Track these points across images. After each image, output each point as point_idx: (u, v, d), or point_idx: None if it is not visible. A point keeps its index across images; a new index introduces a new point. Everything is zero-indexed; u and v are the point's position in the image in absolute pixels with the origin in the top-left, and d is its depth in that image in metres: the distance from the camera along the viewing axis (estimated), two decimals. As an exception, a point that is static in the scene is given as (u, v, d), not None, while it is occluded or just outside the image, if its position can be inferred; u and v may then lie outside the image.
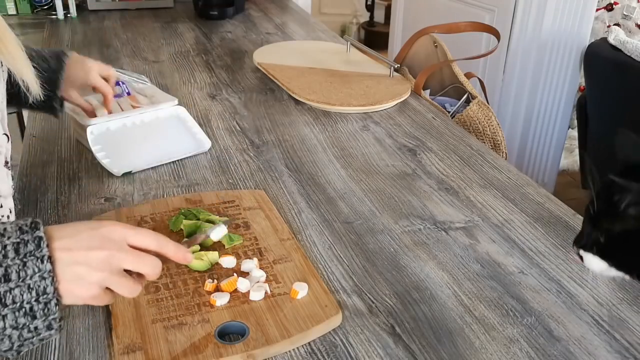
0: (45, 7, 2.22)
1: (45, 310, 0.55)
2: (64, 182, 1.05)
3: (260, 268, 0.82)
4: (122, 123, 1.17)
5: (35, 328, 0.55)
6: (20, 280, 0.54)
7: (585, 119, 2.30)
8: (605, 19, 2.68)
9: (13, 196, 0.76)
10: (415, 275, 0.84)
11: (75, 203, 0.99)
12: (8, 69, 0.73)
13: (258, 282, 0.79)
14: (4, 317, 0.53)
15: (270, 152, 1.19)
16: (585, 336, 0.74)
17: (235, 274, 0.79)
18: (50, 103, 1.03)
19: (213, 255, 0.82)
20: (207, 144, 1.18)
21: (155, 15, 2.23)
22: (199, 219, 0.89)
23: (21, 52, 0.71)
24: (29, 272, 0.54)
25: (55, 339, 0.71)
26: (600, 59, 2.09)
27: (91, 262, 0.57)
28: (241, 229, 0.91)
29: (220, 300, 0.75)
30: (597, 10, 2.46)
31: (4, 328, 0.54)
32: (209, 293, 0.76)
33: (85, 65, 1.10)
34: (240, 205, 0.97)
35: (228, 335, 0.71)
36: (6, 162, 0.73)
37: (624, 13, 2.63)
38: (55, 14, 2.14)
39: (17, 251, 0.54)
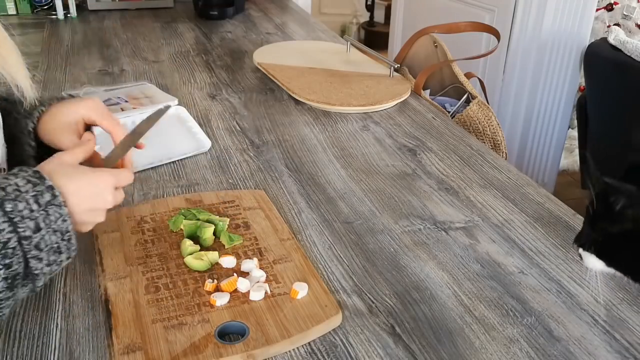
0: (45, 7, 2.22)
1: (69, 244, 0.67)
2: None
3: (260, 268, 0.82)
4: (122, 123, 1.17)
5: (61, 261, 0.67)
6: (48, 226, 0.64)
7: (585, 119, 2.30)
8: (605, 19, 2.68)
9: None
10: (415, 275, 0.84)
11: (75, 203, 0.99)
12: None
13: (258, 282, 0.79)
14: (41, 259, 0.64)
15: (270, 152, 1.19)
16: (585, 336, 0.74)
17: (235, 274, 0.79)
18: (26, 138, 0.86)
19: (213, 255, 0.82)
20: (207, 144, 1.18)
21: (155, 15, 2.24)
22: (199, 219, 0.89)
23: (16, 56, 0.72)
24: (52, 218, 0.64)
25: (56, 339, 0.71)
26: (600, 59, 2.09)
27: (95, 213, 0.71)
28: (241, 229, 0.91)
29: (220, 300, 0.75)
30: (597, 10, 2.46)
31: (42, 267, 0.64)
32: (209, 293, 0.76)
33: (75, 100, 0.87)
34: (240, 205, 0.97)
35: (228, 335, 0.71)
36: (2, 170, 0.74)
37: (624, 13, 2.63)
38: (55, 14, 2.14)
39: (38, 203, 0.63)
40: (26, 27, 2.08)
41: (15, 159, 0.83)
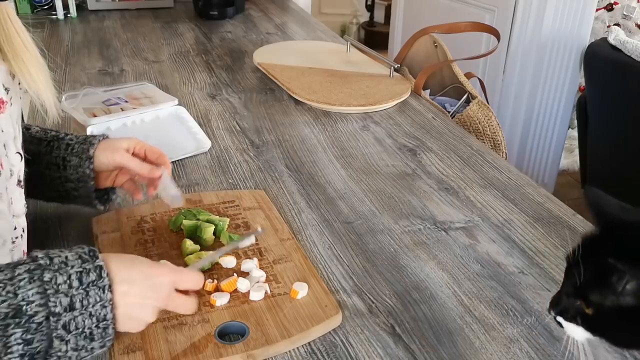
0: (45, 7, 2.22)
1: (104, 334, 0.60)
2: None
3: (260, 268, 0.82)
4: (122, 123, 1.17)
5: (92, 348, 0.60)
6: (84, 308, 0.58)
7: (585, 119, 2.30)
8: (605, 19, 2.68)
9: (25, 215, 0.75)
10: (415, 275, 0.84)
11: (75, 203, 0.99)
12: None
13: (258, 282, 0.79)
14: (67, 342, 0.57)
15: (270, 152, 1.19)
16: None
17: (235, 274, 0.79)
18: (89, 199, 0.89)
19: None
20: (207, 144, 1.18)
21: (155, 15, 2.23)
22: (198, 219, 0.89)
23: (43, 73, 0.71)
24: (91, 300, 0.59)
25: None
26: (600, 59, 2.08)
27: (144, 309, 0.63)
28: (241, 229, 0.91)
29: (220, 300, 0.75)
30: (597, 10, 2.46)
31: (66, 351, 0.58)
32: (209, 293, 0.76)
33: (112, 145, 0.90)
34: (240, 205, 0.97)
35: (228, 335, 0.71)
36: (19, 181, 0.73)
37: (624, 13, 2.63)
38: (55, 14, 2.14)
39: (80, 281, 0.58)
40: (26, 27, 2.08)
41: (64, 180, 0.86)
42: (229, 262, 0.82)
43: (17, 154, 0.72)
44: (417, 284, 0.83)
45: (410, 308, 0.78)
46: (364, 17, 4.73)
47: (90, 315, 0.58)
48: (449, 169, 1.14)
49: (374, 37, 4.46)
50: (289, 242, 0.88)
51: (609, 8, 2.67)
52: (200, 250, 0.83)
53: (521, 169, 2.41)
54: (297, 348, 0.71)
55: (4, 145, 0.69)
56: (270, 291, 0.77)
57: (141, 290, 0.63)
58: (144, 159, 0.89)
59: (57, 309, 0.56)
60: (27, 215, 0.76)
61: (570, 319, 0.62)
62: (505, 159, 1.53)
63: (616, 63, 1.99)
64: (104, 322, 0.60)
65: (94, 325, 0.59)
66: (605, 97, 2.15)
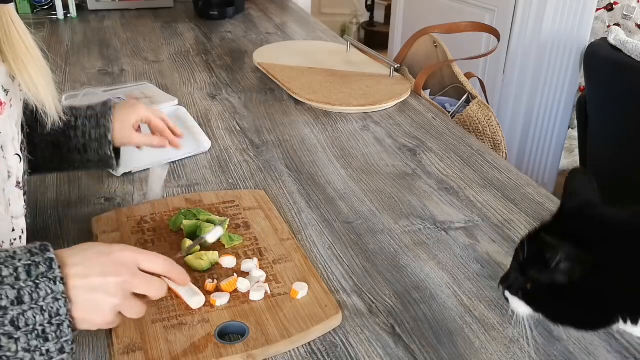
0: (45, 7, 2.22)
1: (58, 332, 0.55)
2: (64, 182, 1.05)
3: (260, 268, 0.82)
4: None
5: (48, 351, 0.55)
6: (33, 302, 0.54)
7: (585, 119, 2.30)
8: (605, 19, 2.68)
9: (25, 216, 0.75)
10: (415, 275, 0.84)
11: (75, 203, 0.99)
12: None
13: (258, 282, 0.79)
14: (17, 340, 0.53)
15: (270, 152, 1.19)
16: (585, 336, 0.74)
17: (235, 274, 0.79)
18: (104, 154, 0.92)
19: (213, 255, 0.82)
20: (207, 144, 1.18)
21: (155, 15, 2.23)
22: (198, 219, 0.89)
23: (44, 75, 0.70)
24: (42, 293, 0.54)
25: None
26: (600, 59, 2.08)
27: (106, 288, 0.58)
28: (241, 229, 0.91)
29: (220, 300, 0.75)
30: (597, 10, 2.46)
31: (17, 351, 0.53)
32: (209, 293, 0.76)
33: (130, 104, 0.98)
34: (240, 205, 0.97)
35: (228, 335, 0.71)
36: (18, 183, 0.72)
37: (624, 13, 2.63)
38: (55, 14, 2.14)
39: (29, 273, 0.54)
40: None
41: (87, 162, 0.92)
42: (229, 262, 0.82)
43: (16, 156, 0.71)
44: (417, 284, 0.83)
45: (410, 308, 0.78)
46: (364, 17, 4.73)
47: (42, 310, 0.54)
48: (449, 169, 1.14)
49: (374, 37, 4.46)
50: (289, 242, 0.88)
51: (609, 8, 2.67)
52: (201, 250, 0.83)
53: (521, 169, 2.41)
54: (297, 348, 0.71)
55: (2, 147, 0.69)
56: (270, 291, 0.77)
57: (101, 267, 0.58)
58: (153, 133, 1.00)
59: (3, 302, 0.52)
60: (27, 216, 0.76)
61: (514, 293, 0.68)
62: (505, 159, 1.53)
63: (616, 63, 1.99)
64: (57, 318, 0.55)
65: (45, 321, 0.54)
66: (605, 97, 2.15)
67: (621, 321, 0.64)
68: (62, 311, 0.55)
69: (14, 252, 0.55)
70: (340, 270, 0.85)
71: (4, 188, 0.69)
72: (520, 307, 0.68)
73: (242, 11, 2.31)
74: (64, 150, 0.91)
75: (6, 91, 0.69)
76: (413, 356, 0.71)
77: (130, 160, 1.09)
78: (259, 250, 0.86)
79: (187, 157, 1.15)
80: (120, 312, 0.60)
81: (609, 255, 0.62)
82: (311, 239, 0.92)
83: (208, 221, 0.88)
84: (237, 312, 0.74)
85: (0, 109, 0.68)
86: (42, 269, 0.55)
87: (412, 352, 0.71)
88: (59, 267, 0.56)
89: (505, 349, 0.72)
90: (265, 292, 0.77)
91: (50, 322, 0.55)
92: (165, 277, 0.65)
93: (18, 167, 0.72)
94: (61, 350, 0.56)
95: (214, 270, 0.81)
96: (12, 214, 0.71)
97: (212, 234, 0.78)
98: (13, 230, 0.71)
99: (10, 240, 0.70)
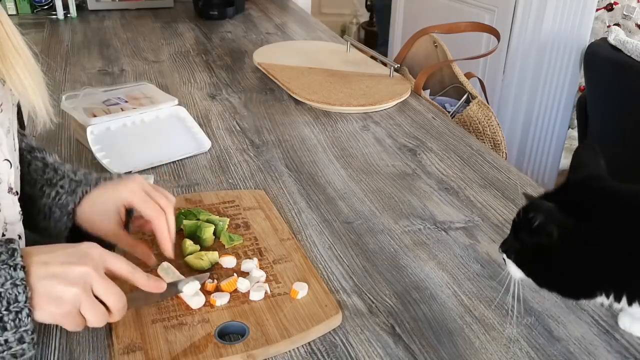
0: (45, 7, 2.22)
1: (16, 320, 0.54)
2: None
3: (260, 268, 0.82)
4: (122, 123, 1.17)
5: (6, 341, 0.54)
6: None
7: (585, 119, 2.30)
8: (605, 19, 2.68)
9: (23, 222, 0.73)
10: (415, 275, 0.84)
11: (75, 203, 0.99)
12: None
13: (258, 282, 0.79)
14: None
15: (270, 152, 1.19)
16: (585, 336, 0.74)
17: (235, 274, 0.79)
18: (59, 228, 0.78)
19: (213, 255, 0.82)
20: (207, 144, 1.18)
21: (155, 15, 2.23)
22: (198, 219, 0.89)
23: (34, 77, 0.67)
24: (0, 280, 0.53)
25: (56, 339, 0.71)
26: (600, 59, 2.08)
27: (68, 275, 0.57)
28: (241, 229, 0.91)
29: (220, 300, 0.75)
30: (597, 10, 2.46)
31: None
32: (209, 293, 0.76)
33: (121, 181, 0.79)
34: (240, 205, 0.97)
35: (228, 335, 0.71)
36: (10, 189, 0.69)
37: (624, 13, 2.63)
38: (55, 14, 2.14)
39: None
40: (26, 27, 2.08)
41: (47, 232, 0.78)
42: (229, 262, 0.82)
43: (6, 162, 0.69)
44: (417, 284, 0.83)
45: (410, 308, 0.78)
46: (364, 17, 4.73)
47: (0, 296, 0.53)
48: (449, 169, 1.14)
49: (374, 37, 4.46)
50: (289, 242, 0.88)
51: (609, 8, 2.67)
52: (200, 250, 0.83)
53: (521, 169, 2.41)
54: (297, 348, 0.71)
55: None
56: (270, 291, 0.77)
57: (65, 256, 0.58)
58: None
59: None
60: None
61: (509, 257, 0.70)
62: (505, 159, 1.53)
63: (616, 63, 1.99)
64: (15, 305, 0.53)
65: (3, 308, 0.53)
66: (605, 97, 2.15)
67: (604, 296, 0.64)
68: (21, 297, 0.54)
69: None
70: (340, 270, 0.85)
71: None
72: (513, 270, 0.70)
73: (242, 11, 2.31)
74: (32, 206, 0.79)
75: None
76: (413, 356, 0.71)
77: (130, 160, 1.10)
78: (259, 250, 0.86)
79: (187, 157, 1.15)
80: (81, 314, 0.59)
81: (601, 226, 0.63)
82: (311, 239, 0.92)
83: (208, 221, 0.88)
84: (237, 312, 0.74)
85: None
86: (3, 257, 0.54)
87: (412, 352, 0.71)
88: (22, 256, 0.55)
89: (505, 349, 0.72)
90: (265, 292, 0.77)
91: (8, 309, 0.53)
92: (134, 281, 0.64)
93: (9, 173, 0.69)
94: (20, 340, 0.55)
95: (214, 270, 0.81)
96: (5, 220, 0.68)
97: (188, 287, 0.74)
98: (3, 235, 0.68)
99: None
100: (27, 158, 0.82)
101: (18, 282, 0.54)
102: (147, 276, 0.66)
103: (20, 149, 0.83)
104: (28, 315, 0.55)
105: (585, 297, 0.67)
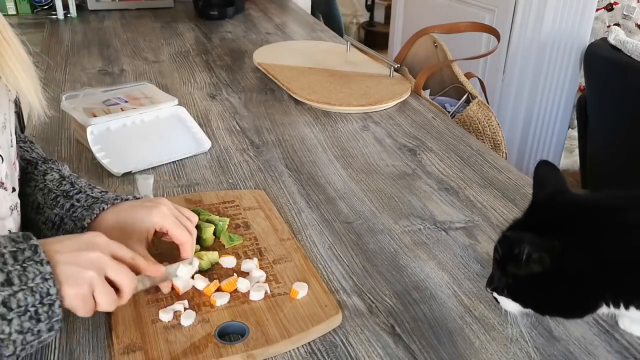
0: (45, 7, 2.22)
1: (50, 312, 0.57)
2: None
3: (260, 268, 0.82)
4: (122, 123, 1.17)
5: (39, 331, 0.57)
6: (23, 284, 0.55)
7: (585, 119, 2.30)
8: (605, 19, 2.68)
9: (12, 215, 0.72)
10: (415, 275, 0.84)
11: (75, 203, 0.99)
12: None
13: (258, 282, 0.79)
14: (10, 321, 0.55)
15: (270, 152, 1.19)
16: (585, 336, 0.74)
17: (235, 274, 0.79)
18: None
19: (213, 255, 0.82)
20: (207, 144, 1.18)
21: (155, 15, 2.23)
22: (199, 219, 0.89)
23: (25, 67, 0.67)
24: (30, 275, 0.56)
25: (55, 339, 0.71)
26: (600, 59, 2.08)
27: (81, 261, 0.61)
28: (241, 229, 0.91)
29: (220, 300, 0.75)
30: (597, 10, 2.46)
31: (10, 333, 0.55)
32: (209, 293, 0.76)
33: (150, 206, 0.79)
34: (240, 205, 0.97)
35: (228, 335, 0.71)
36: (1, 184, 0.69)
37: (624, 13, 2.63)
38: (55, 14, 2.14)
39: (15, 258, 0.56)
40: (26, 27, 2.08)
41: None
42: (229, 262, 0.82)
43: None
44: (417, 284, 0.83)
45: (410, 308, 0.78)
46: (364, 17, 4.73)
47: (32, 291, 0.55)
48: (449, 169, 1.14)
49: (374, 37, 4.46)
50: (289, 242, 0.88)
51: (609, 8, 2.67)
52: (201, 250, 0.83)
53: (521, 169, 2.41)
54: (297, 348, 0.71)
55: None
56: (270, 291, 0.77)
57: (74, 244, 0.62)
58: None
59: None
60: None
61: (500, 292, 0.69)
62: (505, 159, 1.53)
63: (616, 63, 1.99)
64: (48, 298, 0.57)
65: (37, 302, 0.56)
66: (605, 97, 2.15)
67: (604, 305, 0.64)
68: (52, 290, 0.57)
69: None
70: (340, 270, 0.85)
71: None
72: (509, 305, 0.69)
73: (242, 11, 2.31)
74: (41, 214, 0.80)
75: None
76: (413, 356, 0.71)
77: (130, 160, 1.10)
78: (259, 250, 0.86)
79: (187, 157, 1.15)
80: (94, 298, 0.62)
81: (581, 239, 0.63)
82: (311, 239, 0.92)
83: (208, 221, 0.88)
84: (237, 312, 0.74)
85: None
86: (28, 253, 0.57)
87: (412, 352, 0.71)
88: (43, 251, 0.58)
89: (505, 349, 0.72)
90: (265, 292, 0.77)
91: (41, 303, 0.56)
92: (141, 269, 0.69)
93: (16, 220, 0.70)
94: (50, 329, 0.58)
95: (214, 270, 0.81)
96: None
97: (181, 270, 0.76)
98: None
99: None
100: (43, 167, 0.84)
101: (47, 276, 0.57)
102: (147, 261, 0.70)
103: (34, 158, 0.86)
104: (60, 306, 0.58)
105: (589, 311, 0.67)
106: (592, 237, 0.63)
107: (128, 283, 0.65)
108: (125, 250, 0.67)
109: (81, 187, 0.82)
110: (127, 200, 0.80)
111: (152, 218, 0.76)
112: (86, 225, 0.77)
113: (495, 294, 0.70)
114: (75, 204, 0.79)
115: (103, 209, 0.78)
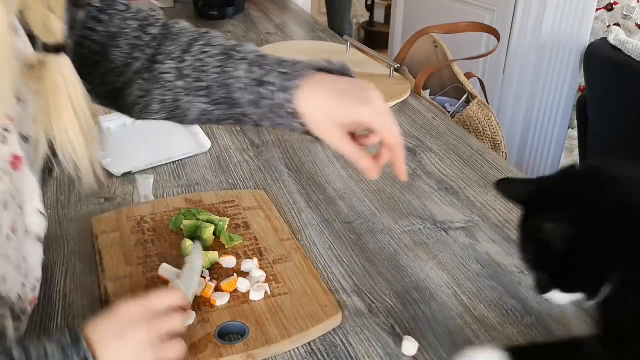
0: (45, 7, 2.22)
1: None
2: (64, 182, 1.05)
3: (260, 268, 0.82)
4: (122, 123, 1.17)
5: None
6: None
7: (585, 119, 2.30)
8: (605, 19, 2.69)
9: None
10: (415, 275, 0.84)
11: (75, 203, 0.99)
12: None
13: (258, 282, 0.79)
14: None
15: (270, 152, 1.19)
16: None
17: (235, 274, 0.79)
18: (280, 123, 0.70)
19: (213, 255, 0.82)
20: (207, 144, 1.18)
21: (155, 15, 2.23)
22: (198, 219, 0.89)
23: (89, 138, 0.59)
24: None
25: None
26: (600, 59, 2.08)
27: (138, 356, 0.57)
28: (241, 229, 0.91)
29: (220, 300, 0.75)
30: (597, 10, 2.46)
31: None
32: (209, 293, 0.76)
33: (358, 90, 0.71)
34: (240, 205, 0.97)
35: (228, 335, 0.71)
36: (39, 239, 0.66)
37: (624, 13, 2.63)
38: (55, 14, 2.14)
39: None
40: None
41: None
42: (229, 262, 0.82)
43: (40, 214, 0.65)
44: (417, 284, 0.83)
45: (410, 308, 0.78)
46: (364, 17, 4.73)
47: None
48: (449, 169, 1.14)
49: (374, 37, 4.46)
50: (289, 242, 0.88)
51: (609, 8, 2.67)
52: (200, 250, 0.83)
53: (521, 169, 2.41)
54: (297, 348, 0.71)
55: (20, 206, 0.61)
56: (270, 291, 0.77)
57: (120, 330, 0.58)
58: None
59: None
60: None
61: (549, 290, 0.66)
62: (505, 159, 1.53)
63: (616, 63, 1.99)
64: None
65: None
66: (605, 97, 2.15)
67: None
68: None
69: (45, 349, 0.54)
70: (340, 270, 0.85)
71: (17, 247, 0.61)
72: (561, 298, 0.66)
73: (242, 11, 2.31)
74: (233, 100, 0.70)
75: (25, 139, 0.58)
76: (413, 356, 0.71)
77: (130, 161, 1.10)
78: (259, 250, 0.86)
79: (187, 157, 1.15)
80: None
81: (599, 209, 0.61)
82: (311, 239, 0.92)
83: (208, 221, 0.88)
84: (237, 312, 0.74)
85: (17, 163, 0.58)
86: None
87: (412, 352, 0.71)
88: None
89: (505, 349, 0.72)
90: (265, 292, 0.77)
91: None
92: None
93: (41, 225, 0.65)
94: None
95: (214, 270, 0.81)
96: (27, 267, 0.64)
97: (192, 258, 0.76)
98: (23, 285, 0.63)
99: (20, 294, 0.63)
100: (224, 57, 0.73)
101: None
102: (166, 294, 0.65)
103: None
104: None
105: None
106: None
107: (180, 324, 0.62)
108: (166, 296, 0.63)
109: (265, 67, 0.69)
110: (319, 69, 0.69)
111: (362, 112, 0.66)
112: (291, 111, 0.66)
113: (547, 296, 0.67)
114: (264, 91, 0.68)
115: (297, 86, 0.66)
